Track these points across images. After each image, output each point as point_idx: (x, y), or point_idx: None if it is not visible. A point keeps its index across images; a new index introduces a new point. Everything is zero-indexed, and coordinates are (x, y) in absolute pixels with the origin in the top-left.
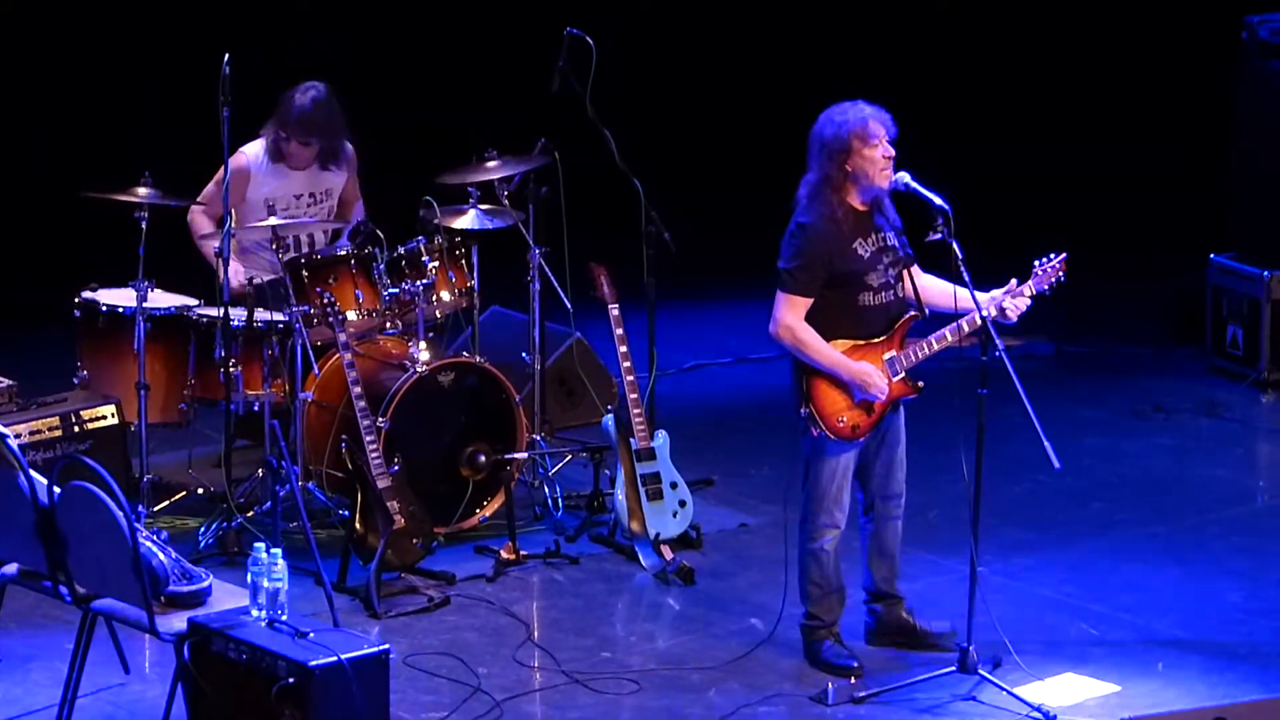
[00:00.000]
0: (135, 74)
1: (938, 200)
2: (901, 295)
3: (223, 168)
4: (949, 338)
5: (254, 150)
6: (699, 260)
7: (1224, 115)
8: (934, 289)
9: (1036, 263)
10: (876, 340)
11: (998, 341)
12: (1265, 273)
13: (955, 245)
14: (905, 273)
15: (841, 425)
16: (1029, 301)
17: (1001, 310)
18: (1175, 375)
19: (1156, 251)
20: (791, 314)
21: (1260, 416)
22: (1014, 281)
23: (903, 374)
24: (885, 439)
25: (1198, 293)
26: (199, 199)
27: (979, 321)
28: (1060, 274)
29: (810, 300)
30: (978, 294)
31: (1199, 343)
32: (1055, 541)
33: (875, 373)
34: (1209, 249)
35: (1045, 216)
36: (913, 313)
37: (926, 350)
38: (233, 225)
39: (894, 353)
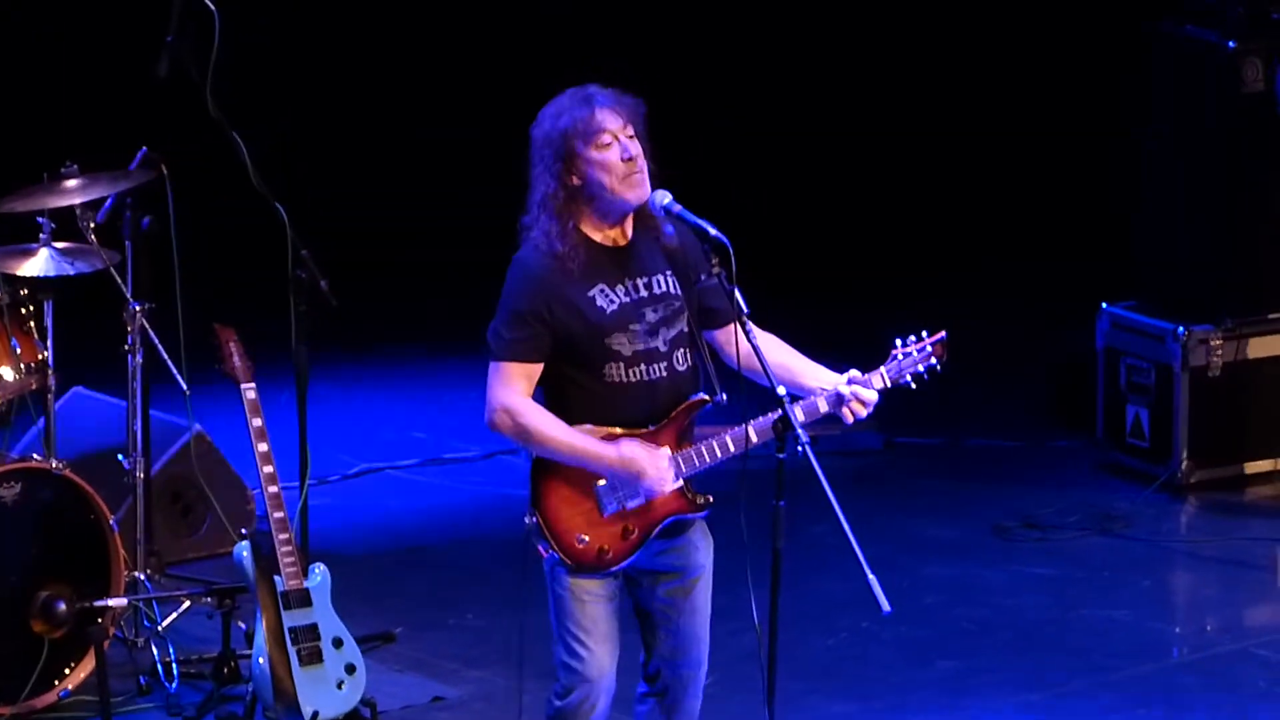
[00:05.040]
0: None
1: (712, 231)
2: (687, 367)
3: None
4: (754, 437)
5: None
6: (374, 320)
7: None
8: (770, 357)
9: (899, 342)
10: (641, 432)
11: (799, 429)
12: (1180, 328)
13: (738, 295)
14: (719, 334)
15: (582, 546)
16: (875, 397)
17: (839, 400)
18: (1054, 476)
19: (1026, 300)
20: (506, 389)
21: (1174, 533)
22: (855, 372)
23: (681, 482)
24: (683, 580)
25: (1083, 358)
26: None
27: (785, 408)
28: (934, 360)
29: (532, 366)
30: (818, 374)
31: (1086, 430)
32: (885, 715)
33: (650, 456)
34: (1099, 297)
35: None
36: (699, 396)
37: (718, 452)
38: None
39: (666, 451)
